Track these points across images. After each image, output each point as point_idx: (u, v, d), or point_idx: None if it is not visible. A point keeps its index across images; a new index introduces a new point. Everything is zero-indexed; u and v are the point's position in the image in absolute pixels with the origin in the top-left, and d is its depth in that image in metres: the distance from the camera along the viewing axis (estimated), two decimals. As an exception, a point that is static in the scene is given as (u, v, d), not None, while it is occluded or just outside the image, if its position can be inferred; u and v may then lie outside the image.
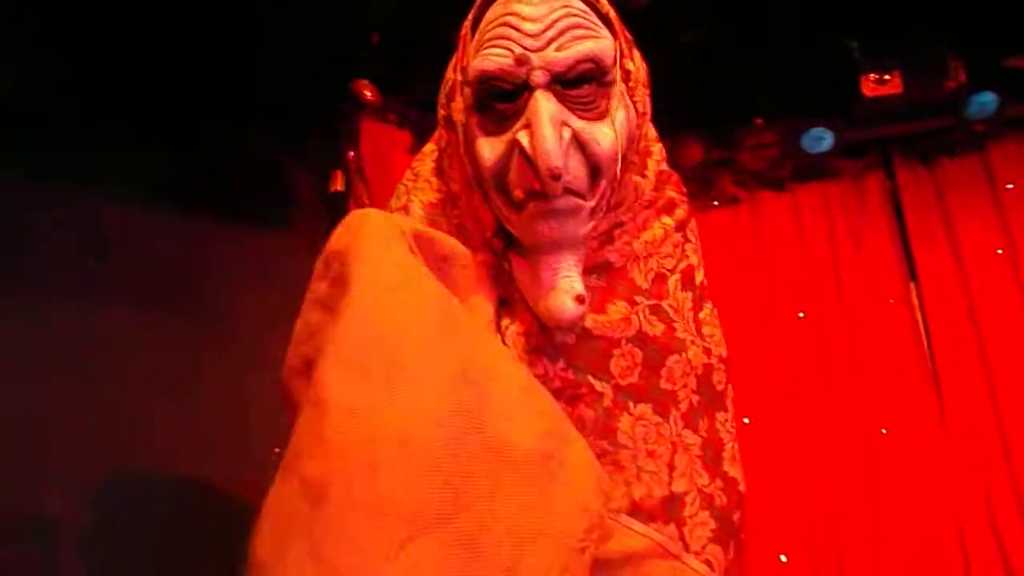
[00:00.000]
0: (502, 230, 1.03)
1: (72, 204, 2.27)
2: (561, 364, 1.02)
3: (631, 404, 1.03)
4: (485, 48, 0.94)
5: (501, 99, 0.94)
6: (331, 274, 0.85)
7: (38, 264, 2.16)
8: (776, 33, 2.97)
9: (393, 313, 0.80)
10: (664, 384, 1.05)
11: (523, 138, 0.91)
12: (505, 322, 1.03)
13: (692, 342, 1.10)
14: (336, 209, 3.07)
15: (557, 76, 0.92)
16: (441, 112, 1.06)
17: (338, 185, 3.09)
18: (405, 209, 1.12)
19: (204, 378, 2.44)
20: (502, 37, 0.93)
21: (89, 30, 2.30)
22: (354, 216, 0.90)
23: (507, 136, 0.94)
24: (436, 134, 1.14)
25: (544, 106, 0.90)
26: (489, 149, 0.95)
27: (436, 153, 1.14)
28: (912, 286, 3.39)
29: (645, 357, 1.05)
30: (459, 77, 1.01)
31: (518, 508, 0.75)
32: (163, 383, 2.34)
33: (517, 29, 0.92)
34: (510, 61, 0.92)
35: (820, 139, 3.26)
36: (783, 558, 3.05)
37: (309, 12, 2.61)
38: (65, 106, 2.28)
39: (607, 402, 1.02)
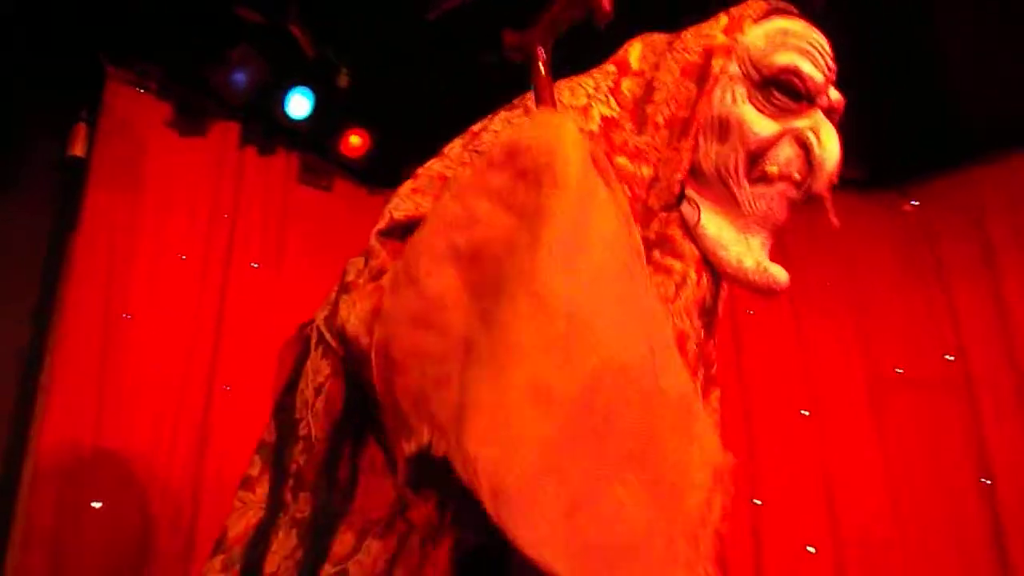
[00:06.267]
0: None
1: None
2: (701, 321, 1.14)
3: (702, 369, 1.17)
4: (793, 52, 1.12)
5: (785, 93, 1.12)
6: (526, 172, 0.81)
7: None
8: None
9: (604, 235, 0.80)
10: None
11: (812, 138, 1.11)
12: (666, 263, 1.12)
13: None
14: (73, 175, 2.77)
15: (829, 109, 1.15)
16: (689, 57, 1.16)
17: (77, 150, 2.78)
18: (584, 111, 1.13)
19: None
20: (810, 53, 1.12)
21: None
22: (553, 116, 0.89)
23: (785, 124, 1.12)
24: (630, 60, 1.20)
25: (832, 128, 1.12)
26: (762, 124, 1.12)
27: (617, 76, 1.19)
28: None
29: (705, 324, 1.18)
30: (731, 43, 1.15)
31: (676, 454, 0.78)
32: None
33: (822, 55, 1.13)
34: (821, 78, 1.12)
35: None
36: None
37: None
38: None
39: (714, 369, 1.22)
